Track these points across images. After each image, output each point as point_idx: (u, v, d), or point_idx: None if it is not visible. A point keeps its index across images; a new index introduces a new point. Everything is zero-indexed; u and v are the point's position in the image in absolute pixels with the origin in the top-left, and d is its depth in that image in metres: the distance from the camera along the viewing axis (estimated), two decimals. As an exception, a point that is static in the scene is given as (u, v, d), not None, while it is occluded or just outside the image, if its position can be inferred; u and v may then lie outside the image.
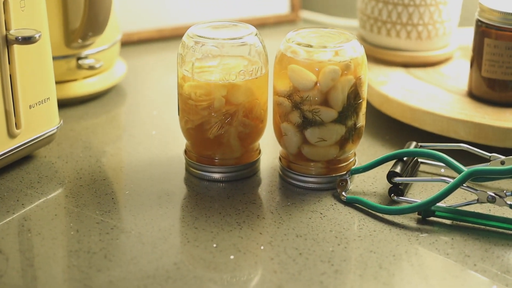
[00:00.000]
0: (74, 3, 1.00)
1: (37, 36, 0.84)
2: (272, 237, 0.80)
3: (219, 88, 0.85)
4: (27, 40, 0.84)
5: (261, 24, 1.33)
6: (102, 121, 1.05)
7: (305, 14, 1.39)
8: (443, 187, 0.82)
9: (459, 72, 1.05)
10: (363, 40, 1.10)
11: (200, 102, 0.86)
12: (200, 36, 0.86)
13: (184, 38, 0.87)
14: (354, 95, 0.85)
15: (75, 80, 1.05)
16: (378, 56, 1.08)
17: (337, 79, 0.83)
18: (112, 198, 0.86)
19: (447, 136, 0.94)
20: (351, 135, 0.86)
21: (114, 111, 1.07)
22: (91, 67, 1.03)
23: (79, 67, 1.04)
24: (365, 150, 0.97)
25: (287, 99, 0.85)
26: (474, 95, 0.99)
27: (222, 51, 0.86)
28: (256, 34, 0.87)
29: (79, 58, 1.04)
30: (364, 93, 0.86)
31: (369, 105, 1.04)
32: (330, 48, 0.84)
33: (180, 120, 0.90)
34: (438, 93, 1.00)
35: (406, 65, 1.07)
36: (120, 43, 1.12)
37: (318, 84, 0.84)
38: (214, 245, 0.78)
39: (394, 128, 1.01)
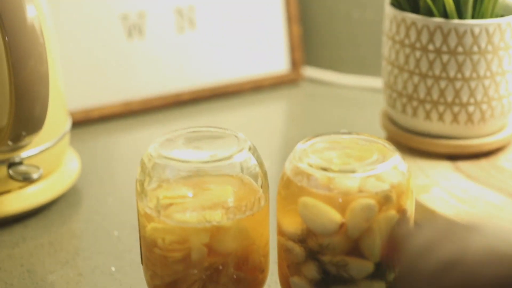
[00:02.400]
0: (-1, 95, 0.73)
1: None
2: None
3: (198, 233, 0.58)
4: None
5: (256, 88, 1.06)
6: (42, 248, 0.77)
7: (308, 71, 1.11)
8: None
9: (523, 166, 0.78)
10: (391, 122, 0.83)
11: (172, 252, 0.59)
12: (167, 158, 0.58)
13: (144, 157, 0.60)
14: (396, 236, 0.57)
15: (8, 192, 0.78)
16: (412, 145, 0.81)
17: (373, 219, 0.56)
18: None
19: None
20: (392, 292, 0.59)
21: (60, 231, 0.80)
22: (26, 178, 0.76)
23: (11, 177, 0.76)
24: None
25: (298, 246, 0.58)
26: (552, 206, 0.71)
27: (199, 170, 0.59)
28: (250, 149, 0.60)
29: (10, 165, 0.76)
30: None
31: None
32: (361, 172, 0.57)
33: (144, 272, 0.62)
34: (504, 203, 0.72)
35: (452, 157, 0.80)
36: (69, 133, 0.84)
37: (345, 227, 0.56)
38: None
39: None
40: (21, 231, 0.78)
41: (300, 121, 1.02)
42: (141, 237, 0.61)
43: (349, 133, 0.62)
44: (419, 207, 0.73)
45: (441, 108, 0.78)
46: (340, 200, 0.56)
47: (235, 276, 0.59)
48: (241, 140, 0.60)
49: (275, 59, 1.08)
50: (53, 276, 0.72)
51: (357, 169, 0.57)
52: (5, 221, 0.78)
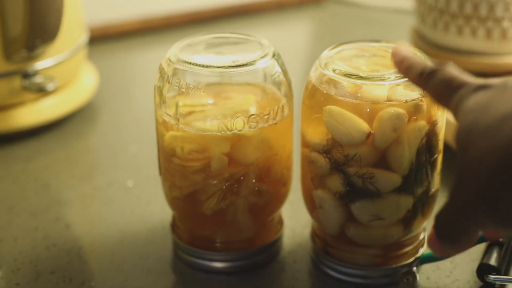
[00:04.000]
0: (11, 1, 0.70)
1: None
2: None
3: (218, 142, 0.55)
4: None
5: (279, 6, 1.03)
6: (57, 159, 0.75)
7: (332, -2, 1.08)
8: None
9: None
10: (422, 39, 0.79)
11: (191, 162, 0.56)
12: (187, 62, 0.55)
13: (163, 63, 0.57)
14: (427, 149, 0.55)
15: (22, 104, 0.75)
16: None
17: (401, 129, 0.53)
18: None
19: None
20: (420, 208, 0.56)
21: (74, 148, 0.77)
22: (40, 89, 0.73)
23: (25, 88, 0.73)
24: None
25: (323, 156, 0.55)
26: None
27: (222, 78, 0.56)
28: (274, 56, 0.57)
29: (25, 76, 0.74)
30: (441, 143, 0.56)
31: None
32: (391, 79, 0.53)
33: (162, 183, 0.60)
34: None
35: (485, 74, 0.76)
36: (87, 46, 0.81)
37: (372, 137, 0.53)
38: None
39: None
40: (36, 145, 0.76)
41: (324, 40, 0.99)
42: (159, 147, 0.59)
43: (378, 41, 0.58)
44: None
45: (474, 23, 0.74)
46: (367, 109, 0.54)
47: (256, 188, 0.57)
48: (265, 46, 0.57)
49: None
50: (68, 191, 0.69)
51: (386, 77, 0.54)
52: (20, 134, 0.76)
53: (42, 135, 0.77)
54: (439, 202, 0.65)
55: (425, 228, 0.60)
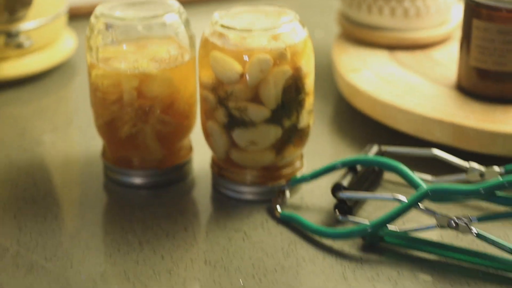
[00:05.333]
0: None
1: None
2: (174, 262, 0.65)
3: (129, 78, 0.71)
4: None
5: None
6: (31, 110, 0.91)
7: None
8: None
9: (453, 58, 0.88)
10: (345, 18, 0.93)
11: (109, 94, 0.71)
12: (107, 16, 0.71)
13: (91, 18, 0.72)
14: (292, 89, 0.69)
15: (6, 58, 0.92)
16: (360, 36, 0.91)
17: (267, 71, 0.68)
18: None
19: (422, 138, 0.78)
20: (290, 138, 0.71)
21: (49, 97, 0.94)
22: (19, 46, 0.90)
23: (7, 45, 0.90)
24: (328, 150, 0.81)
25: (211, 93, 0.70)
26: (462, 88, 0.81)
27: (139, 33, 0.71)
28: (178, 12, 0.72)
29: (9, 35, 0.90)
30: (308, 86, 0.71)
31: (339, 95, 0.88)
32: (259, 31, 0.68)
33: (93, 114, 0.75)
34: (421, 84, 0.83)
35: (391, 47, 0.90)
36: (66, 16, 0.97)
37: (245, 76, 0.68)
38: (100, 271, 0.64)
39: (363, 124, 0.85)
40: (17, 95, 0.92)
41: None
42: (89, 85, 0.74)
43: (267, 5, 0.73)
44: (348, 84, 0.84)
45: (380, 3, 0.88)
46: (243, 55, 0.68)
47: (161, 119, 0.72)
48: (172, 4, 0.72)
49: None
50: (46, 136, 0.85)
51: (256, 29, 0.68)
52: (2, 84, 0.92)
53: (24, 87, 0.94)
54: (330, 129, 0.80)
55: (302, 155, 0.74)
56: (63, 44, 0.97)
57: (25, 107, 0.90)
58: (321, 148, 0.81)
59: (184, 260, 0.66)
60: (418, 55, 0.89)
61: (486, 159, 0.74)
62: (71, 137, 0.84)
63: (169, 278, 0.64)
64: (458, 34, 0.91)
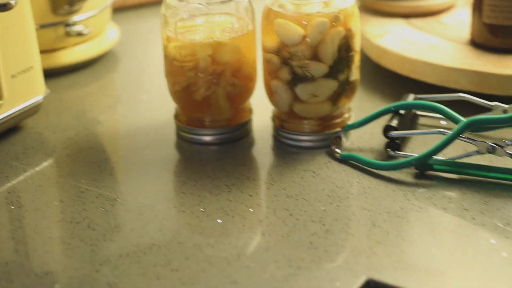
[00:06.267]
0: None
1: (12, 2, 0.81)
2: (262, 198, 0.77)
3: (204, 47, 0.82)
4: (2, 7, 0.81)
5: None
6: (93, 89, 1.02)
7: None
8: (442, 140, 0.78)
9: (462, 21, 1.01)
10: (363, -8, 1.06)
11: (186, 63, 0.83)
12: (182, -3, 0.83)
13: (166, -1, 0.84)
14: (345, 48, 0.81)
15: (64, 48, 1.02)
16: (377, 8, 1.04)
17: (325, 32, 0.80)
18: (99, 166, 0.83)
19: (448, 87, 0.91)
20: (344, 90, 0.83)
21: (105, 79, 1.05)
22: (79, 34, 1.01)
23: (68, 34, 1.01)
24: (363, 106, 0.93)
25: (275, 56, 0.82)
26: (476, 43, 0.94)
27: (208, 9, 0.82)
28: (242, -7, 0.84)
29: (67, 25, 1.01)
30: (357, 45, 0.83)
31: (367, 59, 1.00)
32: (317, 1, 0.80)
33: (167, 83, 0.86)
34: (439, 43, 0.96)
35: (406, 15, 1.03)
36: (111, 8, 1.09)
37: (306, 38, 0.80)
38: (201, 209, 0.75)
39: (393, 82, 0.97)
40: (74, 78, 1.03)
41: None
42: (164, 56, 0.85)
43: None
44: (376, 47, 0.97)
45: (396, -23, 1.01)
46: (304, 21, 0.80)
47: (231, 82, 0.83)
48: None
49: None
50: (105, 117, 0.95)
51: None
52: (62, 70, 1.03)
53: (79, 71, 1.05)
54: (362, 90, 0.92)
55: (350, 108, 0.87)
56: (109, 34, 1.08)
57: (82, 90, 1.01)
58: (359, 104, 0.93)
59: (269, 196, 0.77)
60: (430, 20, 1.02)
61: (507, 101, 0.87)
62: (134, 110, 0.95)
63: (260, 210, 0.75)
64: (460, 2, 1.04)
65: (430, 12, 1.03)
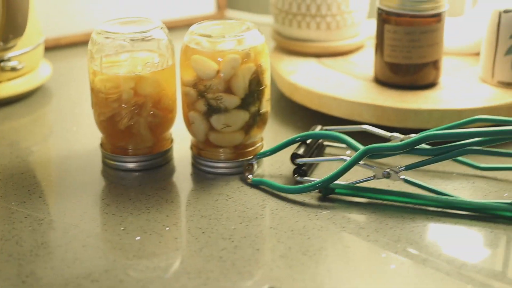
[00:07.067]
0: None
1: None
2: (178, 218, 0.84)
3: (127, 80, 0.89)
4: None
5: (189, 24, 1.37)
6: (27, 121, 1.08)
7: (230, 13, 1.43)
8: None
9: (368, 60, 1.10)
10: (278, 34, 1.14)
11: (110, 94, 0.90)
12: (107, 32, 0.90)
13: (93, 34, 0.91)
14: (256, 82, 0.89)
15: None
16: (291, 48, 1.13)
17: (237, 67, 0.88)
18: (29, 190, 0.89)
19: (353, 119, 0.99)
20: (255, 121, 0.91)
21: (39, 112, 1.11)
22: (13, 69, 1.07)
23: (2, 69, 1.07)
24: (277, 136, 1.01)
25: (192, 89, 0.90)
26: (379, 80, 1.04)
27: (132, 45, 0.90)
28: (161, 28, 0.91)
29: (1, 61, 1.08)
30: (267, 80, 0.91)
31: (281, 94, 1.09)
32: (229, 37, 0.88)
33: (94, 113, 0.94)
34: (346, 80, 1.04)
35: (318, 55, 1.12)
36: (43, 46, 1.16)
37: (220, 73, 0.88)
38: (122, 228, 0.82)
39: (304, 115, 1.06)
40: (9, 110, 1.10)
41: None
42: (91, 89, 0.92)
43: (230, 19, 0.93)
44: (289, 83, 1.05)
45: (308, 19, 1.10)
46: (218, 57, 0.88)
47: (152, 112, 0.91)
48: (156, 22, 0.92)
49: (204, 3, 1.40)
50: (37, 146, 1.02)
51: (226, 36, 0.88)
52: (-2, 103, 1.10)
53: (14, 104, 1.11)
54: (275, 122, 1.00)
55: (262, 138, 0.95)
56: (41, 70, 1.15)
57: (16, 121, 1.08)
58: (272, 134, 1.02)
59: (185, 216, 0.85)
60: (339, 60, 1.11)
61: (404, 133, 0.96)
62: (65, 140, 1.02)
63: (176, 229, 0.82)
64: (368, 43, 1.14)
65: (340, 52, 1.12)
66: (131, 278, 0.74)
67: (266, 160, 0.95)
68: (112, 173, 0.94)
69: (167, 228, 0.82)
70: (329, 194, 0.87)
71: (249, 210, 0.85)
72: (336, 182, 0.87)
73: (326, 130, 0.95)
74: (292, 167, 0.92)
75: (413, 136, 0.89)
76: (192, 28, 0.91)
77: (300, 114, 1.06)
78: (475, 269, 0.76)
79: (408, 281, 0.74)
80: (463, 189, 0.89)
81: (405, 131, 0.96)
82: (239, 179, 0.91)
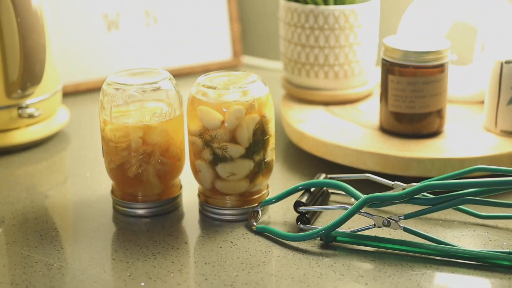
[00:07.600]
0: (12, 57, 1.08)
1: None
2: (183, 265, 0.87)
3: (135, 130, 0.93)
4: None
5: (206, 70, 1.41)
6: (43, 166, 1.12)
7: (246, 59, 1.47)
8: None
9: (375, 108, 1.12)
10: (288, 82, 1.17)
11: (119, 143, 0.93)
12: (117, 83, 0.93)
13: (103, 85, 0.95)
14: (260, 132, 0.92)
15: (17, 128, 1.13)
16: (300, 96, 1.16)
17: (242, 118, 0.91)
18: (41, 235, 0.93)
19: (357, 167, 1.02)
20: (260, 169, 0.94)
21: (55, 157, 1.15)
22: (31, 116, 1.11)
23: (20, 116, 1.11)
24: (284, 184, 1.04)
25: (198, 138, 0.93)
26: (384, 129, 1.06)
27: (141, 96, 0.93)
28: (169, 79, 0.95)
29: (20, 108, 1.12)
30: (271, 130, 0.94)
31: (289, 141, 1.11)
32: (233, 89, 0.91)
33: (104, 161, 0.97)
34: (352, 128, 1.07)
35: (326, 103, 1.15)
36: (61, 92, 1.20)
37: (225, 123, 0.91)
38: (128, 274, 0.85)
39: (311, 162, 1.08)
40: (26, 155, 1.14)
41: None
42: (102, 138, 0.96)
43: (236, 70, 0.96)
44: (297, 131, 1.08)
45: (316, 68, 1.13)
46: (223, 107, 0.91)
47: (160, 160, 0.94)
48: (164, 74, 0.95)
49: (220, 49, 1.44)
50: (51, 191, 1.06)
51: (230, 87, 0.92)
52: (15, 149, 1.13)
53: (31, 150, 1.15)
54: (283, 168, 1.03)
55: (268, 185, 0.98)
56: (59, 116, 1.19)
57: (33, 166, 1.11)
58: (279, 181, 1.04)
59: (189, 263, 0.87)
60: (347, 108, 1.14)
61: (407, 181, 0.98)
62: (79, 186, 1.06)
63: (180, 275, 0.85)
64: (376, 91, 1.17)
65: (348, 100, 1.15)
66: (133, 324, 0.77)
67: (271, 207, 0.97)
68: (122, 219, 0.97)
69: (172, 275, 0.85)
70: (330, 242, 0.90)
71: (252, 257, 0.88)
72: (337, 230, 0.89)
73: (330, 178, 0.98)
74: (296, 214, 0.94)
75: (415, 185, 0.91)
76: (199, 79, 0.94)
77: (308, 161, 1.09)
78: (467, 318, 0.77)
79: (401, 330, 0.76)
80: (463, 237, 0.91)
81: (409, 179, 0.98)
82: (244, 226, 0.94)
